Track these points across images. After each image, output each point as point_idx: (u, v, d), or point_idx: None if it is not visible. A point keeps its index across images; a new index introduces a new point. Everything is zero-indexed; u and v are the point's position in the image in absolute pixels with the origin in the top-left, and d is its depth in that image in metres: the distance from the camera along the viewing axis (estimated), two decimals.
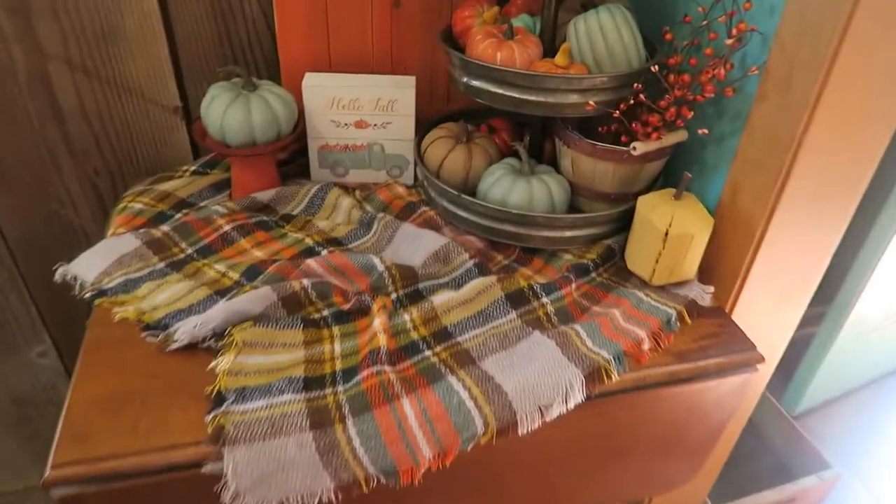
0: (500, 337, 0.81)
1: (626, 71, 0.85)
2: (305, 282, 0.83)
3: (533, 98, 0.85)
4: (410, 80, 1.04)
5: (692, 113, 0.86)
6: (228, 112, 0.93)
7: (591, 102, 0.84)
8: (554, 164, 1.00)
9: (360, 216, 0.99)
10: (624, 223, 0.95)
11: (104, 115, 1.09)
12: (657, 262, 0.87)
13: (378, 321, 0.79)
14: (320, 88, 1.01)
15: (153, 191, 1.03)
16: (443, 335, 0.81)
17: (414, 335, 0.80)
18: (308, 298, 0.82)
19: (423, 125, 1.07)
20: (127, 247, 0.89)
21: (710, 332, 0.86)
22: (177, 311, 0.80)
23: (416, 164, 1.09)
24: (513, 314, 0.84)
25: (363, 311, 0.83)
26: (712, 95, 0.81)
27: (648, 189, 0.98)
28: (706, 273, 0.92)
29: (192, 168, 1.09)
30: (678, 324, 0.85)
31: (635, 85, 0.83)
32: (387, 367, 0.75)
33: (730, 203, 0.89)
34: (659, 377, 0.80)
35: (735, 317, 0.91)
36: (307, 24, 1.04)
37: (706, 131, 0.80)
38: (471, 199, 0.91)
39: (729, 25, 0.80)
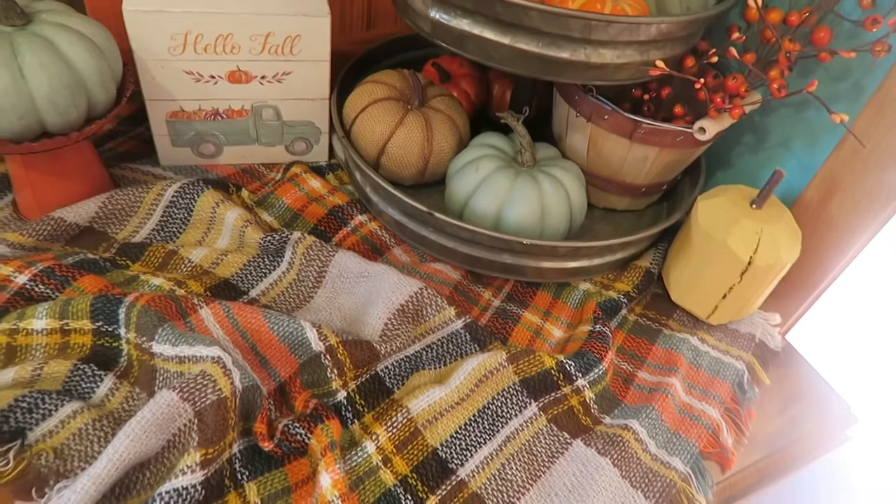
0: (525, 457, 0.51)
1: (717, 9, 0.51)
2: (236, 377, 0.47)
3: (564, 55, 0.49)
4: (320, 1, 0.62)
5: (789, 73, 0.55)
6: None
7: (659, 63, 0.50)
8: (542, 134, 0.66)
9: (261, 238, 0.60)
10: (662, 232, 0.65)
11: None
12: (724, 297, 0.60)
13: (327, 477, 0.45)
14: (159, 17, 0.57)
15: None
16: (434, 469, 0.49)
17: (387, 478, 0.48)
18: (232, 409, 0.47)
19: (337, 69, 0.67)
20: None
21: (793, 391, 0.62)
22: (36, 397, 0.45)
23: (331, 134, 0.70)
24: (533, 408, 0.53)
25: (293, 447, 0.48)
26: (853, 56, 0.50)
27: (686, 173, 0.68)
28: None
29: None
30: (754, 388, 0.60)
31: (733, 34, 0.50)
32: None
33: (817, 205, 0.61)
34: (747, 483, 0.55)
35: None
36: None
37: (845, 117, 0.50)
38: (449, 220, 0.56)
39: None
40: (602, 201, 0.68)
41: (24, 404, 0.46)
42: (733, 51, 0.50)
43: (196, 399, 0.46)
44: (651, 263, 0.65)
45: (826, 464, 0.60)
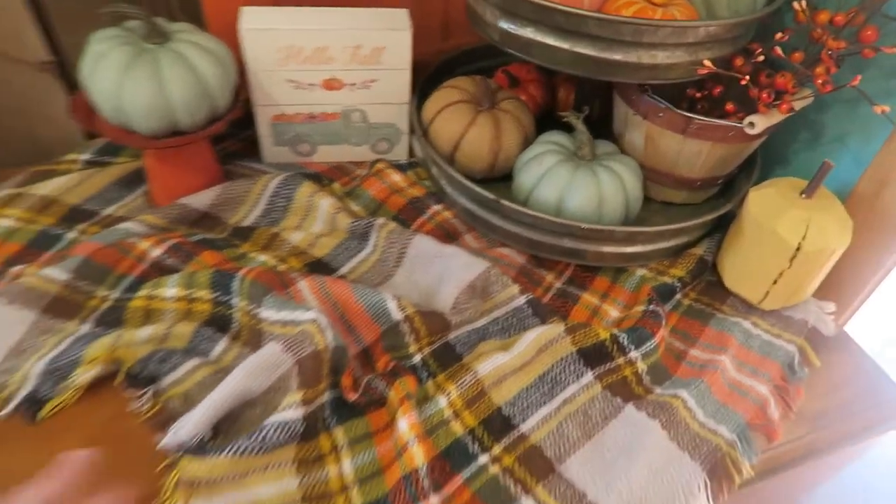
0: (580, 418, 0.56)
1: (761, 12, 0.56)
2: (329, 335, 0.56)
3: (618, 57, 0.55)
4: (403, 16, 0.70)
5: (837, 69, 0.58)
6: (128, 84, 0.59)
7: (706, 63, 0.55)
8: (602, 129, 0.72)
9: (350, 223, 0.69)
10: (716, 222, 0.69)
11: None
12: (775, 283, 0.63)
13: (405, 421, 0.53)
14: (267, 33, 0.67)
15: (29, 195, 0.69)
16: (499, 424, 0.55)
17: (457, 428, 0.55)
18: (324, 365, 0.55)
19: (417, 77, 0.75)
20: (10, 329, 0.56)
21: (844, 375, 0.64)
22: (166, 352, 0.56)
23: (411, 135, 0.78)
24: (589, 376, 0.59)
25: (374, 399, 0.56)
26: (895, 51, 0.54)
27: (742, 169, 0.72)
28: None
29: (84, 156, 0.74)
30: (804, 368, 0.63)
31: (778, 34, 0.54)
32: (432, 499, 0.49)
33: (870, 197, 0.64)
34: (793, 455, 0.59)
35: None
36: None
37: (886, 108, 0.53)
38: (514, 206, 0.63)
39: None
40: (660, 195, 0.73)
41: (158, 357, 0.56)
42: (778, 50, 0.55)
43: (296, 350, 0.55)
44: (705, 251, 0.69)
45: (874, 447, 0.62)
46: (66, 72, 0.74)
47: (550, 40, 0.56)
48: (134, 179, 0.73)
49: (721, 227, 0.70)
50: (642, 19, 0.52)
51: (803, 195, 0.61)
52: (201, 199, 0.69)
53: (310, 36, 0.67)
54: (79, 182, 0.71)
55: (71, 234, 0.67)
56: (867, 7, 0.56)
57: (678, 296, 0.67)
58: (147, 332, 0.58)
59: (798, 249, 0.59)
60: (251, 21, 0.67)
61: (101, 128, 0.64)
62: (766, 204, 0.62)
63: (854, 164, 0.65)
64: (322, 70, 0.70)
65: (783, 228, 0.60)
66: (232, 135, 0.80)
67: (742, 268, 0.65)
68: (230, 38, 0.66)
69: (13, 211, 0.67)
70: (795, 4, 0.55)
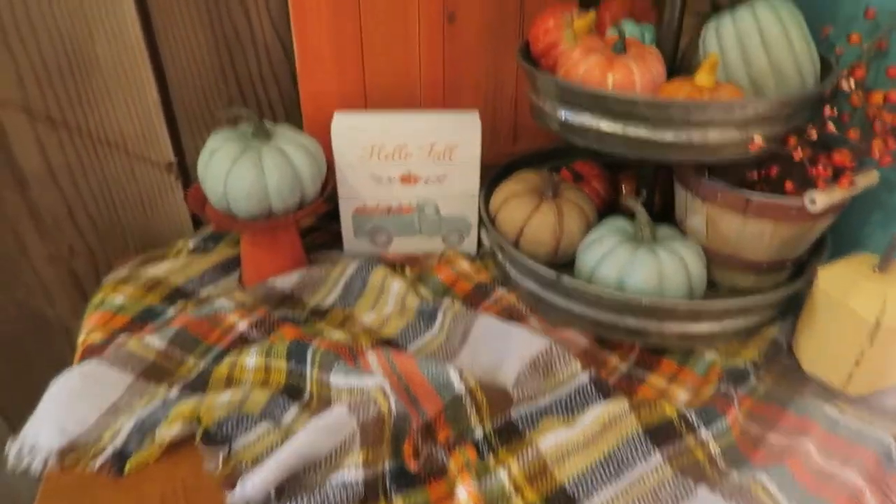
0: (650, 499, 0.54)
1: (807, 93, 0.59)
2: (392, 400, 0.58)
3: (669, 138, 0.59)
4: (474, 118, 0.78)
5: None
6: (234, 171, 0.68)
7: (756, 139, 0.58)
8: (666, 220, 0.74)
9: (419, 305, 0.73)
10: (787, 303, 0.68)
11: (77, 178, 0.84)
12: (857, 364, 0.60)
13: (463, 489, 0.52)
14: (355, 132, 0.76)
15: (140, 276, 0.78)
16: (562, 502, 0.54)
17: None
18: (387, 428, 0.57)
19: (487, 175, 0.81)
20: (111, 390, 0.63)
21: None
22: (242, 416, 0.60)
23: (480, 227, 0.83)
24: (657, 457, 0.56)
25: (435, 470, 0.56)
26: None
27: (812, 253, 0.71)
28: None
29: (191, 244, 0.84)
30: None
31: (827, 110, 0.56)
32: None
33: None
34: None
35: None
36: (335, 50, 0.79)
37: None
38: (574, 280, 0.65)
39: None
40: (727, 280, 0.72)
41: (233, 420, 0.60)
42: (831, 125, 0.57)
43: (360, 413, 0.57)
44: (778, 333, 0.67)
45: None
46: (184, 170, 0.86)
47: (605, 126, 0.61)
48: (230, 265, 0.81)
49: (794, 309, 0.68)
50: (689, 99, 0.56)
51: (876, 269, 0.59)
52: (285, 281, 0.75)
53: (391, 135, 0.76)
54: (183, 266, 0.80)
55: (171, 310, 0.74)
56: None
57: (752, 380, 0.65)
58: (226, 396, 0.62)
59: (877, 325, 0.57)
60: (342, 122, 0.76)
61: (208, 213, 0.73)
62: (838, 280, 0.60)
63: None
64: (401, 165, 0.78)
65: (858, 303, 0.58)
66: (319, 228, 0.88)
67: (819, 349, 0.62)
68: (324, 137, 0.76)
69: (127, 288, 0.76)
70: (844, 83, 0.58)
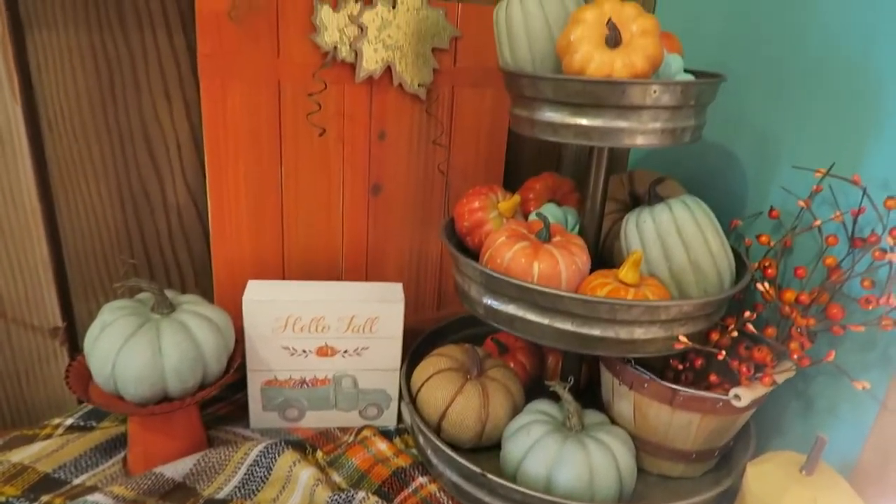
0: None
1: (727, 293, 0.60)
2: None
3: (596, 333, 0.58)
4: (397, 290, 0.75)
5: (811, 344, 0.60)
6: (126, 351, 0.61)
7: (681, 338, 0.57)
8: (591, 396, 0.72)
9: (329, 497, 0.65)
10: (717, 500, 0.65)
11: None
12: None
13: None
14: (269, 305, 0.71)
15: (1, 462, 0.67)
16: None
17: None
18: None
19: (409, 344, 0.78)
20: None
21: None
22: None
23: (400, 401, 0.78)
24: None
25: None
26: (863, 329, 0.56)
27: (737, 440, 0.70)
28: None
29: (69, 421, 0.73)
30: None
31: (746, 313, 0.57)
32: None
33: (876, 471, 0.61)
34: None
35: None
36: (253, 215, 0.76)
37: (867, 385, 0.54)
38: (501, 481, 0.60)
39: (852, 230, 0.58)
40: (656, 467, 0.69)
41: None
42: (750, 326, 0.57)
43: None
44: None
45: None
46: (73, 335, 0.77)
47: (532, 316, 0.59)
48: (115, 445, 0.71)
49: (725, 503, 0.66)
50: (615, 299, 0.56)
51: (803, 471, 0.58)
52: (177, 469, 0.66)
53: (308, 307, 0.71)
54: (57, 448, 0.69)
55: None
56: (828, 287, 0.60)
57: None
58: None
59: None
60: (255, 293, 0.71)
61: (92, 393, 0.64)
62: (767, 483, 0.58)
63: (852, 435, 0.63)
64: (317, 338, 0.73)
65: None
66: (223, 398, 0.80)
67: None
68: (235, 308, 0.70)
69: None
70: (759, 286, 0.60)
